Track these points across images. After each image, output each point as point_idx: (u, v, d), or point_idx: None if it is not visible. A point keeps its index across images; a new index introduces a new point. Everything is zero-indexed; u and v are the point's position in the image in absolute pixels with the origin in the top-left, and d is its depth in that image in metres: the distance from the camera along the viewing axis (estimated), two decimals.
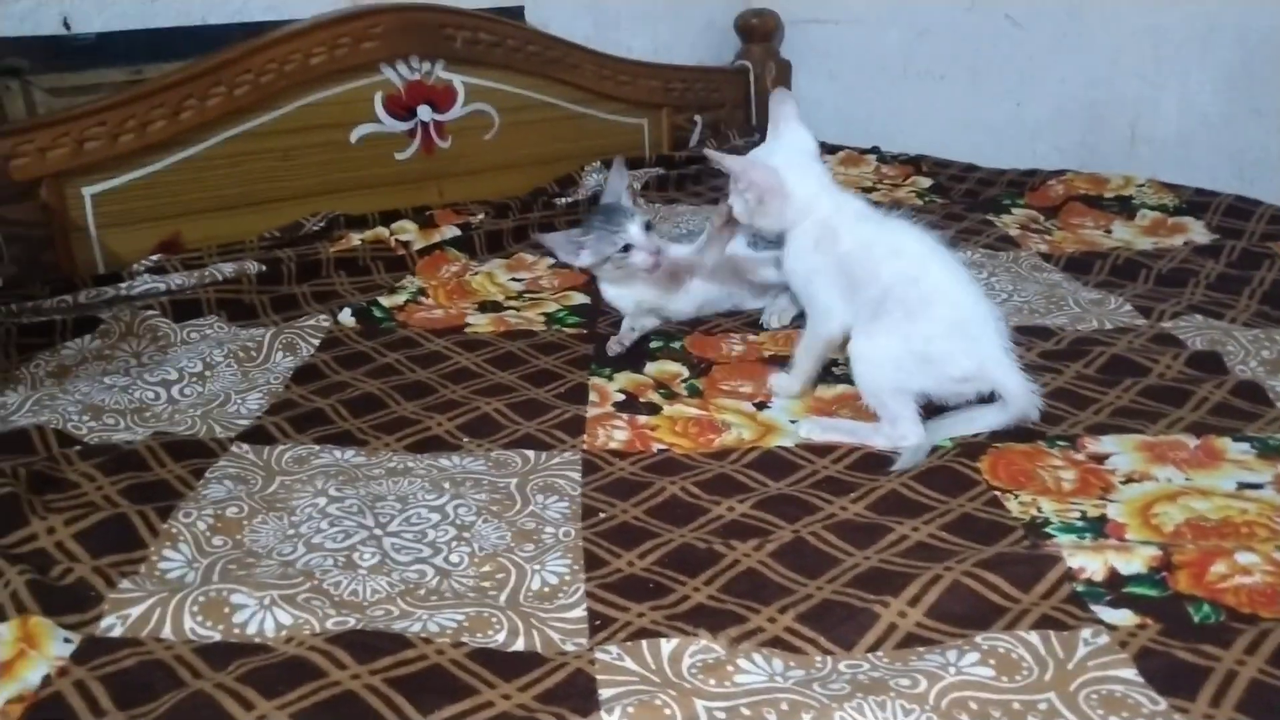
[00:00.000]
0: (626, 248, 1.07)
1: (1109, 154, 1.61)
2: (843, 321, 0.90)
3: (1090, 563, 0.66)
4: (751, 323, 1.13)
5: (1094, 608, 0.63)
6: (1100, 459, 0.81)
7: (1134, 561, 0.66)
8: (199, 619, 0.62)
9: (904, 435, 0.84)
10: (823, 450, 0.85)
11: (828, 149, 1.84)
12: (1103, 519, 0.73)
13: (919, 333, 0.84)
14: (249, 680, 0.56)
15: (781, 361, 1.00)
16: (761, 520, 0.75)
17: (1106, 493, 0.76)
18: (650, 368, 1.02)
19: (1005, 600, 0.63)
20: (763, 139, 1.79)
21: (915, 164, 1.74)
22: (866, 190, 1.69)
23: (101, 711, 0.55)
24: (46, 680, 0.57)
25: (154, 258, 1.29)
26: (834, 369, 0.97)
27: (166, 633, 0.61)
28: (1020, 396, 0.84)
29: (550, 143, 1.68)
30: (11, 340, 1.05)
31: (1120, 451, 0.81)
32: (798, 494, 0.78)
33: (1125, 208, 1.45)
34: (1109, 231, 1.40)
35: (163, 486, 0.78)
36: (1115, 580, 0.65)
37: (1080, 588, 0.64)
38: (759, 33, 1.93)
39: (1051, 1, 1.65)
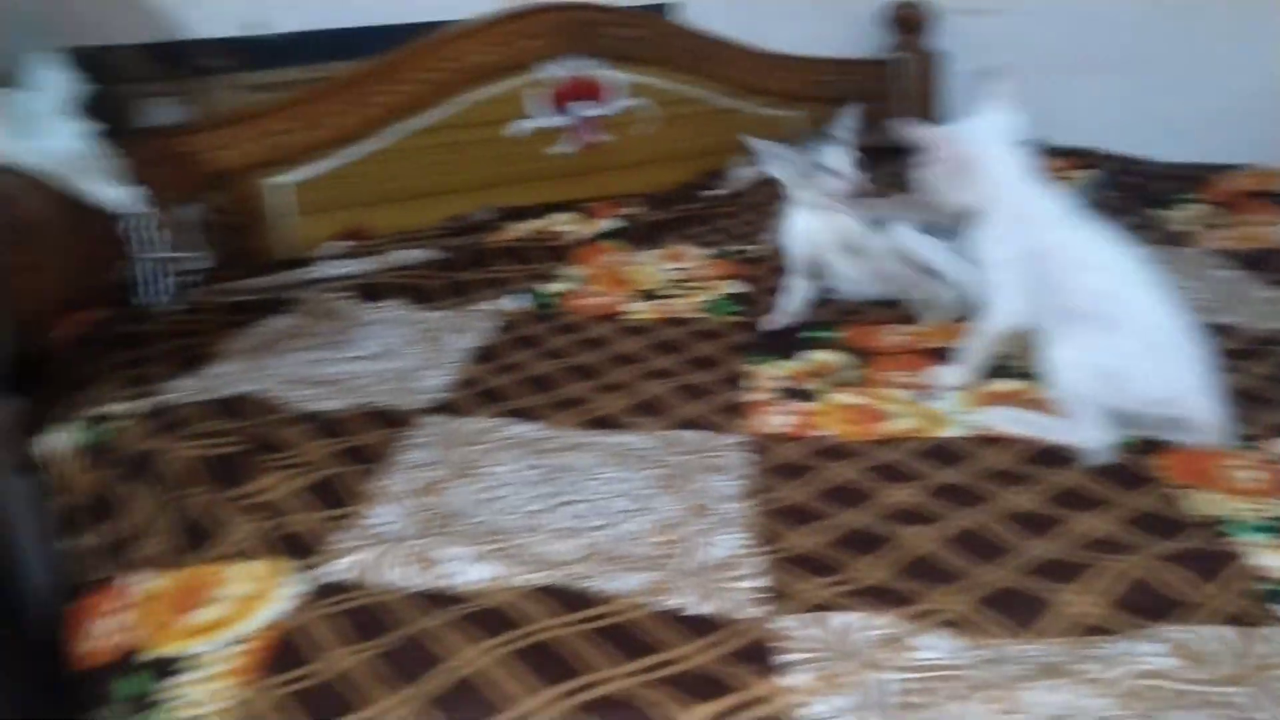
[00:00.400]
0: (828, 172, 1.09)
1: None
2: (1019, 318, 0.90)
3: (1274, 562, 0.65)
4: (910, 316, 1.14)
5: (1275, 608, 0.62)
6: None
7: None
8: (410, 569, 0.68)
9: (1089, 438, 0.82)
10: (992, 441, 0.85)
11: None
12: None
13: (1112, 348, 0.82)
14: (461, 624, 0.62)
15: (946, 354, 1.01)
16: (932, 507, 0.76)
17: None
18: (809, 356, 1.04)
19: (1186, 595, 0.64)
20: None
21: (1081, 157, 1.70)
22: None
23: (339, 642, 0.61)
24: (288, 614, 0.64)
25: (337, 244, 1.39)
26: (1007, 361, 0.97)
27: (382, 579, 0.68)
28: (1212, 430, 0.81)
29: (702, 137, 1.71)
30: (218, 318, 1.15)
31: None
32: (968, 484, 0.79)
33: None
34: None
35: (366, 451, 0.85)
36: None
37: (1262, 586, 0.64)
38: (910, 24, 1.91)
39: None
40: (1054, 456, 0.82)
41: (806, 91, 1.82)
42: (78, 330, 1.12)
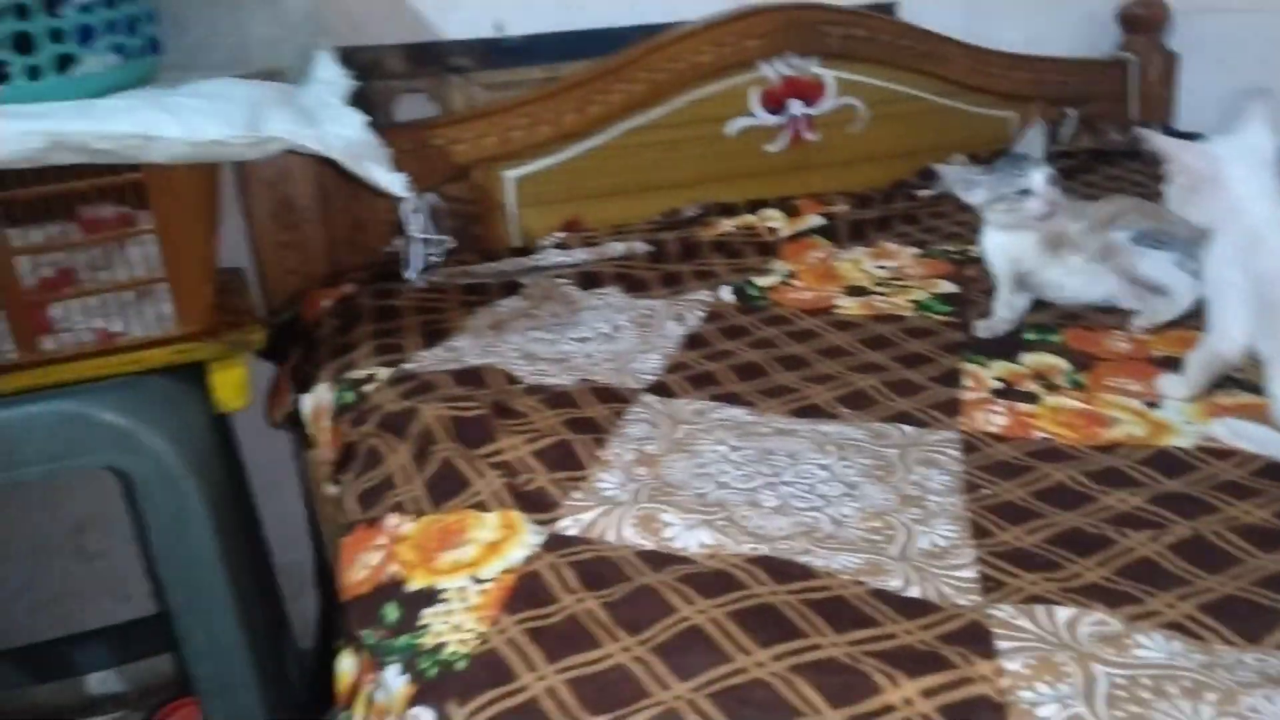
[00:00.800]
0: (1024, 192, 1.08)
1: None
2: (1242, 344, 0.87)
3: None
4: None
5: None
6: None
7: None
8: (636, 529, 0.74)
9: None
10: (1222, 454, 0.83)
11: None
12: None
13: None
14: (685, 582, 0.67)
15: (1172, 363, 0.97)
16: (1156, 514, 0.75)
17: None
18: (1027, 358, 1.03)
19: None
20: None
21: None
22: None
23: (571, 589, 0.67)
24: (527, 560, 0.71)
25: (558, 234, 1.48)
26: (1236, 374, 0.93)
27: (610, 538, 0.73)
28: None
29: (915, 135, 1.70)
30: (456, 297, 1.25)
31: None
32: (1195, 494, 0.77)
33: None
34: None
35: (592, 423, 0.91)
36: None
37: None
38: (1145, 23, 1.83)
39: None
40: None
41: (1030, 91, 1.77)
42: (336, 302, 1.25)
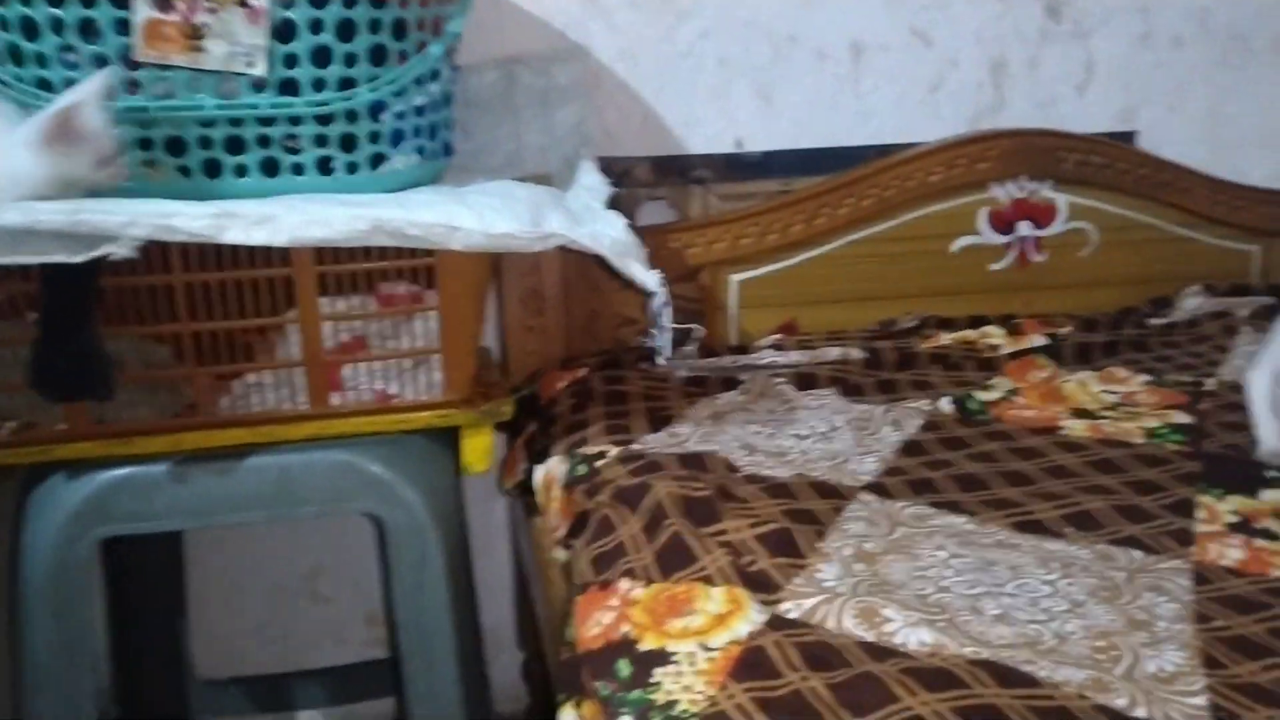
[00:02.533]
0: None
1: None
2: None
3: None
4: None
5: None
6: None
7: None
8: (856, 620, 0.77)
9: None
10: None
11: None
12: None
13: None
14: (907, 674, 0.69)
15: None
16: None
17: None
18: (1267, 495, 0.99)
19: None
20: None
21: None
22: None
23: (794, 667, 0.71)
24: (751, 635, 0.75)
25: (775, 336, 1.54)
26: None
27: (830, 625, 0.77)
28: None
29: (1147, 263, 1.67)
30: (679, 388, 1.33)
31: None
32: None
33: None
34: None
35: (812, 515, 0.95)
36: None
37: None
38: None
39: None
40: None
41: (1271, 225, 1.70)
42: (571, 383, 1.35)
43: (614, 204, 1.32)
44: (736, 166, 1.62)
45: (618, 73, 1.57)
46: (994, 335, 1.51)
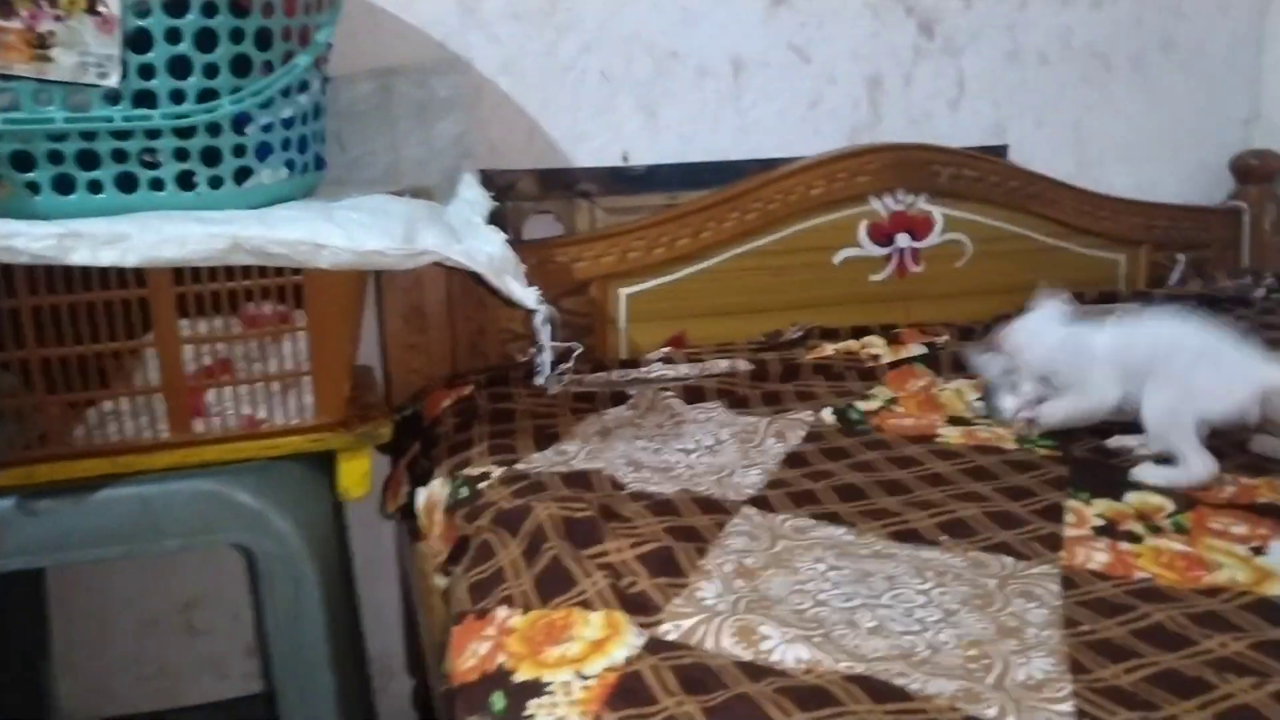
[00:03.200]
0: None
1: None
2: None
3: None
4: (1245, 465, 1.09)
5: None
6: None
7: None
8: (734, 639, 0.76)
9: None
10: None
11: None
12: None
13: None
14: (783, 694, 0.69)
15: (1276, 510, 0.97)
16: (1258, 661, 0.74)
17: None
18: (1131, 497, 1.03)
19: None
20: (1256, 280, 1.71)
21: None
22: None
23: (670, 691, 0.70)
24: (628, 660, 0.74)
25: (664, 350, 1.54)
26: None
27: (709, 645, 0.76)
28: None
29: (1020, 272, 1.72)
30: (567, 404, 1.32)
31: None
32: None
33: None
34: None
35: (694, 531, 0.95)
36: None
37: None
38: (1258, 173, 1.84)
39: None
40: None
41: (1140, 235, 1.79)
42: (455, 402, 1.32)
43: (498, 218, 1.30)
44: (622, 180, 1.62)
45: (500, 85, 1.55)
46: (875, 345, 1.54)
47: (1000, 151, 1.77)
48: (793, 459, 1.16)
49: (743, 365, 1.46)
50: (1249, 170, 1.85)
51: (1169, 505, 1.01)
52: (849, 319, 1.63)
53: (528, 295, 1.02)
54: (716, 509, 1.00)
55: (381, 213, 1.00)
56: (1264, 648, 0.76)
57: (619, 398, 1.34)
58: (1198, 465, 1.04)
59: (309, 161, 1.13)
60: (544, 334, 1.04)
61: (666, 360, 1.50)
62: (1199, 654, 0.75)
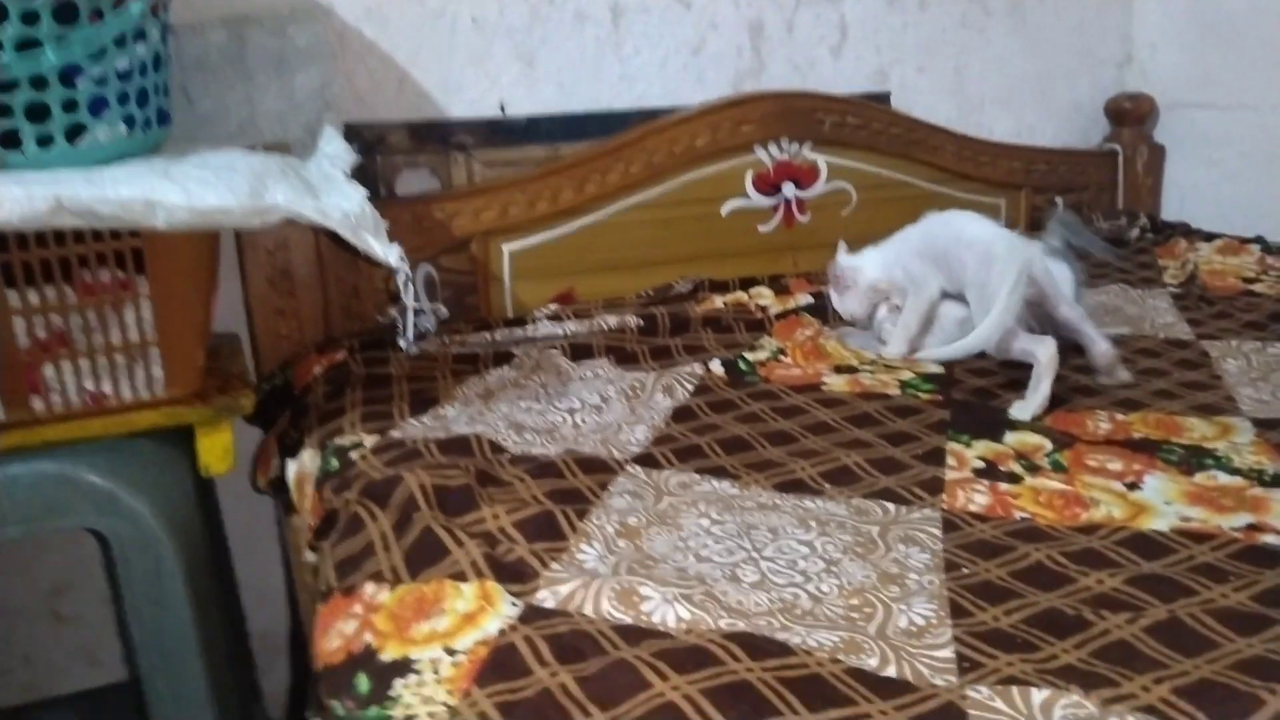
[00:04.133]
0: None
1: None
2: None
3: None
4: (1121, 401, 1.11)
5: None
6: None
7: None
8: (614, 603, 0.73)
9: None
10: (1200, 537, 0.83)
11: (1203, 236, 1.75)
12: None
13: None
14: (660, 657, 0.66)
15: (1155, 444, 0.99)
16: (1133, 596, 0.75)
17: None
18: (1010, 438, 1.04)
19: None
20: (1130, 221, 1.75)
21: None
22: (1250, 281, 1.59)
23: (545, 662, 0.67)
24: (502, 632, 0.70)
25: (551, 306, 1.50)
26: (1217, 455, 0.94)
27: (588, 610, 0.73)
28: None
29: (904, 219, 1.70)
30: (447, 366, 1.26)
31: None
32: (1172, 575, 0.77)
33: None
34: None
35: (576, 493, 0.92)
36: None
37: None
38: (1132, 116, 1.88)
39: None
40: (1266, 556, 0.79)
41: (1019, 180, 1.81)
42: (328, 368, 1.26)
43: (365, 174, 1.23)
44: (501, 132, 1.55)
45: (365, 33, 1.47)
46: (763, 296, 1.53)
47: (883, 98, 1.77)
48: (680, 414, 1.14)
49: (632, 320, 1.43)
50: (1123, 113, 1.89)
51: (1047, 444, 1.02)
52: (739, 271, 1.61)
53: (389, 253, 0.96)
54: (600, 469, 0.97)
55: (227, 169, 0.93)
56: (1138, 582, 0.77)
57: (503, 357, 1.30)
58: (1041, 351, 1.11)
59: (150, 117, 1.04)
60: (408, 295, 0.98)
61: (554, 318, 1.45)
62: (1076, 592, 0.76)
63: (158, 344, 0.98)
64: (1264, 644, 0.68)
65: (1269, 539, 0.82)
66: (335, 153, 1.16)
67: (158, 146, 1.07)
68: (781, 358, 1.32)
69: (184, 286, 0.97)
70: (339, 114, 1.34)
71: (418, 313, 1.04)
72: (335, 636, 0.75)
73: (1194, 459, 0.97)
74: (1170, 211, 1.91)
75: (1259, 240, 1.68)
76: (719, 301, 1.51)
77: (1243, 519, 0.86)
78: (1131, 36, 1.94)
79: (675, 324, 1.42)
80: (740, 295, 1.53)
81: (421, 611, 0.73)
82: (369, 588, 0.78)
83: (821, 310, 1.46)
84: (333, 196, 0.99)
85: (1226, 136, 1.82)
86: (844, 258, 1.40)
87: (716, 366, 1.27)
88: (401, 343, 1.05)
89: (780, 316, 1.45)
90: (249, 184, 0.90)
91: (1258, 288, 1.55)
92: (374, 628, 0.73)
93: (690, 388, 1.21)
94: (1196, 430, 1.04)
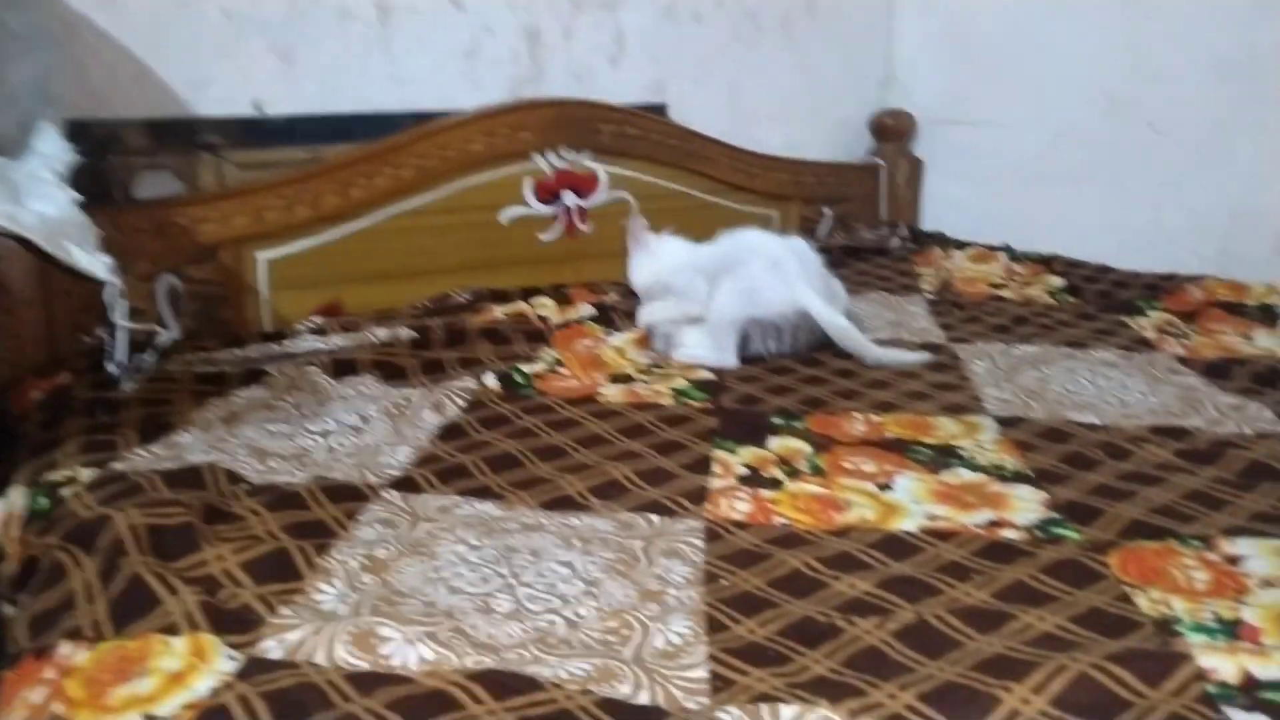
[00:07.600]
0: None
1: (1253, 263, 1.58)
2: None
3: (1223, 664, 0.65)
4: (877, 403, 1.15)
5: (1226, 709, 0.61)
6: (1234, 561, 0.79)
7: (1271, 666, 0.64)
8: (349, 648, 0.67)
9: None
10: (946, 535, 0.85)
11: (956, 245, 1.86)
12: (1237, 622, 0.71)
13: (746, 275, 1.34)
14: (394, 707, 0.61)
15: (906, 444, 1.02)
16: (883, 599, 0.76)
17: (1241, 595, 0.74)
18: (773, 443, 1.04)
19: (1132, 695, 0.63)
20: (891, 231, 1.83)
21: (1046, 263, 1.74)
22: (997, 286, 1.69)
23: None
24: (214, 692, 0.62)
25: (315, 319, 1.40)
26: (962, 455, 0.98)
27: (319, 659, 0.66)
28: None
29: (684, 230, 1.72)
30: (189, 387, 1.15)
31: (1256, 555, 0.80)
32: (920, 576, 0.79)
33: (1268, 316, 1.41)
34: (1249, 338, 1.37)
35: (320, 526, 0.84)
36: (1250, 684, 0.63)
37: (1212, 689, 0.63)
38: (893, 132, 1.98)
39: (1195, 110, 1.64)
40: (1006, 551, 0.82)
41: (789, 191, 1.87)
42: (48, 393, 1.12)
43: (97, 176, 1.10)
44: (256, 133, 1.44)
45: (98, 22, 1.33)
46: (544, 306, 1.49)
47: (660, 110, 1.77)
48: (449, 431, 1.08)
49: (404, 333, 1.35)
50: (885, 129, 1.98)
51: (807, 448, 1.03)
52: (520, 280, 1.57)
53: (94, 264, 0.85)
54: (350, 496, 0.90)
55: None
56: (888, 584, 0.78)
57: (254, 376, 1.20)
58: (729, 356, 1.29)
59: None
60: (117, 311, 0.88)
61: (317, 331, 1.36)
62: (830, 598, 0.76)
63: None
64: (1002, 641, 0.70)
65: (1007, 534, 0.86)
66: (50, 152, 1.03)
67: None
68: (559, 369, 1.28)
69: None
70: (62, 109, 1.19)
71: (150, 333, 0.93)
72: (20, 707, 0.65)
73: (941, 458, 1.00)
74: (929, 222, 2.02)
75: (1006, 249, 1.80)
76: (498, 312, 1.46)
77: (985, 515, 0.89)
78: (893, 56, 2.04)
79: (451, 336, 1.36)
80: (521, 305, 1.49)
81: (122, 673, 0.64)
82: (64, 648, 0.68)
83: (604, 319, 1.44)
84: (36, 201, 0.87)
85: (978, 151, 1.95)
86: (647, 231, 1.47)
87: (491, 380, 1.22)
88: (111, 368, 0.93)
89: (562, 326, 1.42)
90: None
91: (1004, 293, 1.66)
92: (65, 695, 0.63)
93: (462, 404, 1.16)
94: (945, 429, 1.08)
